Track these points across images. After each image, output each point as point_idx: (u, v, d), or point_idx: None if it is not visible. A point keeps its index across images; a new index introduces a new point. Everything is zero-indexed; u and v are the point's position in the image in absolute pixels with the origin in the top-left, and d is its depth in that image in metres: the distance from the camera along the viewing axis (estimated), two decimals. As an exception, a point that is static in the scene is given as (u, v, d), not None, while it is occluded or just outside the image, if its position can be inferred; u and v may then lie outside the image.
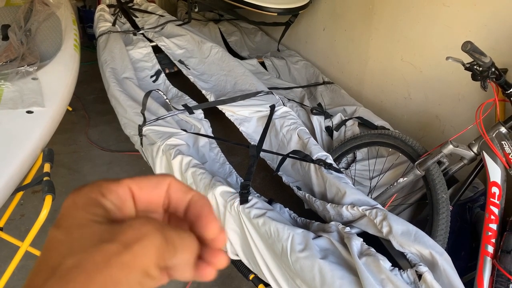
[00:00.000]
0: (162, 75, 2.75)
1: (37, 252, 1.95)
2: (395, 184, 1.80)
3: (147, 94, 2.07)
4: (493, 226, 1.50)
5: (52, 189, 1.54)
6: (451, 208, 1.72)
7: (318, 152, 1.73)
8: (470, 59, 1.50)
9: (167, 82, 2.69)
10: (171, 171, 1.80)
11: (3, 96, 1.90)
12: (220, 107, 2.19)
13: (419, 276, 1.09)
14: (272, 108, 2.09)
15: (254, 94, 2.23)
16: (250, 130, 2.13)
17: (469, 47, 1.38)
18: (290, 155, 1.73)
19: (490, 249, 1.49)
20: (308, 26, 3.60)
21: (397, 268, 1.14)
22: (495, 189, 1.52)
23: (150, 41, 3.14)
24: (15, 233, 2.09)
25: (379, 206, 1.35)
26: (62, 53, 2.42)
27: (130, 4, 3.83)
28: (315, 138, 2.44)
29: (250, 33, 4.20)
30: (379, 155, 2.20)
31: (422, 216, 1.89)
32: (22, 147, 1.66)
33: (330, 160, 1.69)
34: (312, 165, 1.70)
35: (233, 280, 2.13)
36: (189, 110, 2.13)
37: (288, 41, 3.92)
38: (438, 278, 1.11)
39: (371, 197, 1.98)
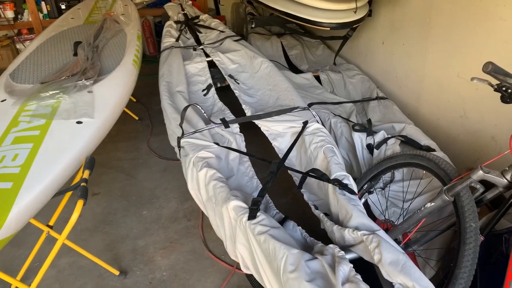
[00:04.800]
0: (212, 89, 2.86)
1: (74, 246, 2.13)
2: (422, 209, 1.70)
3: (185, 108, 2.19)
4: (520, 263, 1.37)
5: (84, 195, 1.68)
6: (482, 239, 1.59)
7: (337, 172, 1.70)
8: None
9: (215, 96, 2.80)
10: (197, 183, 1.88)
11: (60, 108, 2.13)
12: (256, 122, 2.24)
13: (398, 309, 1.04)
14: (305, 124, 2.09)
15: (290, 110, 2.25)
16: (283, 145, 2.15)
17: (490, 68, 1.28)
18: (309, 173, 1.72)
19: (515, 287, 1.36)
20: (368, 39, 3.54)
21: (379, 299, 1.09)
22: (525, 222, 1.39)
23: (208, 56, 3.29)
24: (72, 231, 2.27)
25: (379, 232, 1.30)
26: (120, 68, 2.64)
27: (196, 20, 4.04)
28: (356, 156, 2.39)
29: (312, 46, 4.21)
30: (417, 176, 2.09)
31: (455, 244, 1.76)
32: (65, 154, 1.84)
33: (347, 180, 1.66)
34: (330, 185, 1.67)
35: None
36: (225, 124, 2.21)
37: (350, 54, 3.88)
38: (421, 313, 1.04)
39: (403, 220, 1.91)
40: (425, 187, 2.02)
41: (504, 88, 1.38)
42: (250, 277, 1.65)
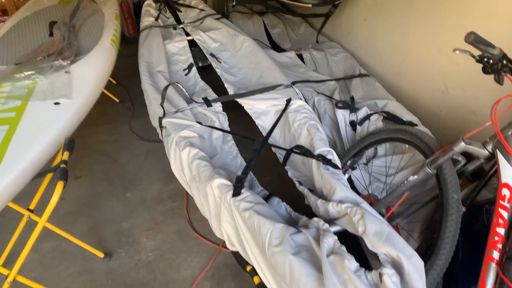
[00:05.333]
0: (194, 69, 2.82)
1: (56, 230, 2.10)
2: (405, 182, 1.72)
3: (166, 87, 2.15)
4: (501, 231, 1.39)
5: (64, 177, 1.64)
6: (464, 210, 1.62)
7: (321, 148, 1.69)
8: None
9: (197, 75, 2.75)
10: (180, 162, 1.86)
11: (36, 89, 2.06)
12: (239, 100, 2.21)
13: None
14: (288, 101, 2.07)
15: (273, 87, 2.23)
16: (267, 124, 2.13)
17: (472, 38, 1.28)
18: (293, 150, 1.71)
19: (496, 255, 1.38)
20: (350, 16, 3.51)
21: (363, 269, 1.10)
22: (505, 191, 1.41)
23: (188, 35, 3.22)
24: (54, 215, 2.24)
25: (362, 204, 1.31)
26: (98, 48, 2.57)
27: (175, -1, 3.95)
28: (339, 133, 2.38)
29: (295, 25, 4.17)
30: (400, 151, 2.10)
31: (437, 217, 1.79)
32: (43, 136, 1.79)
33: (330, 155, 1.66)
34: (313, 160, 1.67)
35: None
36: (208, 103, 2.18)
37: (332, 31, 3.84)
38: (406, 282, 1.05)
39: (386, 194, 1.93)
40: (408, 161, 2.04)
41: (485, 59, 1.38)
42: (236, 254, 1.64)
